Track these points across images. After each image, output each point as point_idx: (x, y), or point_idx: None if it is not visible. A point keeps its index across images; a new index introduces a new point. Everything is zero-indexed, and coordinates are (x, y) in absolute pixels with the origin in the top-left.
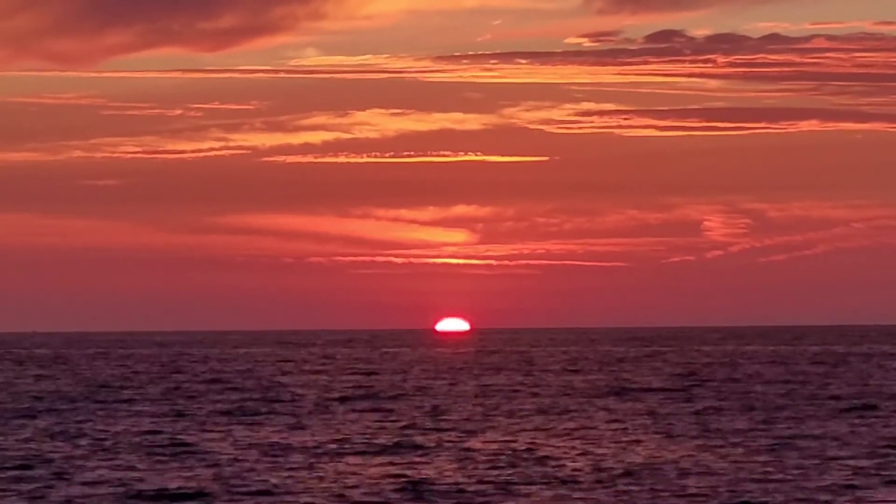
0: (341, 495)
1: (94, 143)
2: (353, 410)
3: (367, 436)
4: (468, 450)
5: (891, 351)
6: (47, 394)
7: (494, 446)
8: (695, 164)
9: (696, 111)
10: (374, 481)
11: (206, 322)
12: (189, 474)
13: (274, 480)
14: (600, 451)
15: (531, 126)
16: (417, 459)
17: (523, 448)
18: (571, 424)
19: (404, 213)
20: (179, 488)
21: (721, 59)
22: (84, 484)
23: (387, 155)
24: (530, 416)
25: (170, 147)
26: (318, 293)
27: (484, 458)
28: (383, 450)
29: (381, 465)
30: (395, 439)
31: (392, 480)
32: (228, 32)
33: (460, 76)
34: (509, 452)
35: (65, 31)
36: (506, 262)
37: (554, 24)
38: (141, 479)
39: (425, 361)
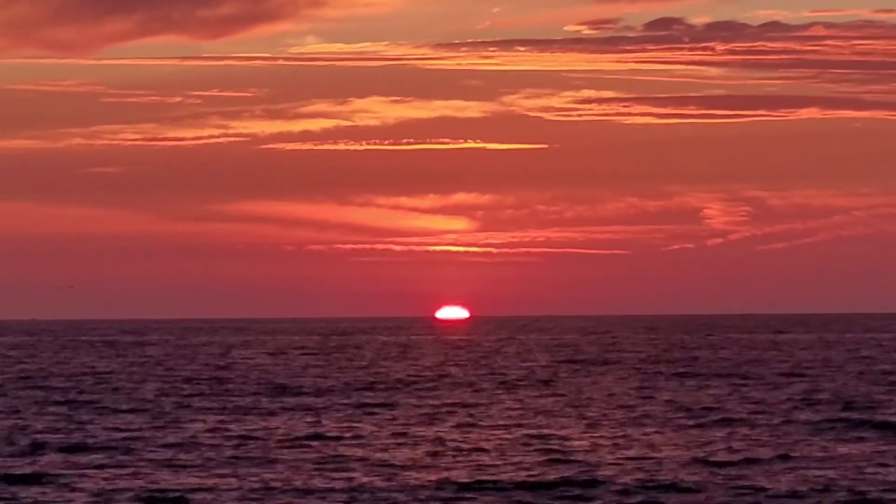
0: None
1: (93, 130)
2: None
3: None
4: None
5: None
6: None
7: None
8: (694, 152)
9: (695, 99)
10: None
11: (207, 310)
12: None
13: None
14: None
15: (531, 113)
16: None
17: None
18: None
19: (404, 200)
20: None
21: (720, 47)
22: None
23: (386, 142)
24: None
25: (170, 134)
26: (318, 281)
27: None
28: None
29: None
30: None
31: None
32: (228, 20)
33: (459, 64)
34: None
35: (64, 19)
36: (506, 250)
37: (553, 11)
38: None
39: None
